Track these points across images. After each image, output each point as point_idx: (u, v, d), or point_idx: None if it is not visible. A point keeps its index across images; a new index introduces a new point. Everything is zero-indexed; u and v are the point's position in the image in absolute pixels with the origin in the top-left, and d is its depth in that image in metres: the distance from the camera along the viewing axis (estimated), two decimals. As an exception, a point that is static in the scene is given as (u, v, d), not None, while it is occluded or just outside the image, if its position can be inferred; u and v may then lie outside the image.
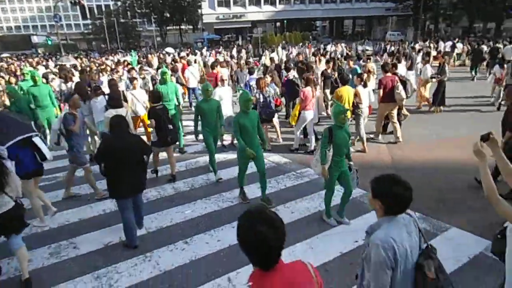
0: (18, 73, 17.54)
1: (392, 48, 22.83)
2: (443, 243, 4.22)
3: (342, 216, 4.80)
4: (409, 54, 16.12)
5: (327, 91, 10.25)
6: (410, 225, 2.07)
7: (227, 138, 8.39)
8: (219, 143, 7.58)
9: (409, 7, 51.42)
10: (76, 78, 11.00)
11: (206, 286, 3.70)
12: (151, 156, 5.10)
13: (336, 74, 9.85)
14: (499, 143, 2.30)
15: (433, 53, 19.95)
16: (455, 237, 4.36)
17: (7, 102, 8.59)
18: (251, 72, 9.59)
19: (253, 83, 8.51)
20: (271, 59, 14.50)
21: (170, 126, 6.18)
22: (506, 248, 2.17)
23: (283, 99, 9.26)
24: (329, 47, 26.51)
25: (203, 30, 59.80)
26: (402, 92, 7.68)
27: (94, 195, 5.86)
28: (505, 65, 11.18)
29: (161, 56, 25.07)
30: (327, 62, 11.42)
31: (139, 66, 14.42)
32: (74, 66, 17.07)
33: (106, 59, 26.72)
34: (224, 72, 11.33)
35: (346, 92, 7.15)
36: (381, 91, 7.78)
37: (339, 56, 19.28)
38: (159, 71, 12.00)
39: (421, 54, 16.26)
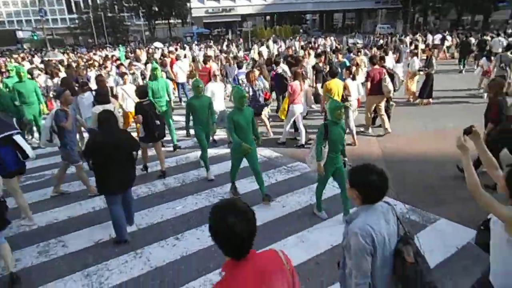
0: (3, 69, 17.16)
1: (381, 41, 22.93)
2: (432, 234, 4.29)
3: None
4: (397, 47, 16.19)
5: (319, 85, 10.25)
6: (388, 213, 2.13)
7: (220, 133, 8.36)
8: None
9: (398, 0, 51.66)
10: (63, 73, 10.81)
11: (197, 281, 3.69)
12: (140, 152, 5.04)
13: (328, 68, 9.84)
14: (481, 135, 2.33)
15: (421, 46, 20.08)
16: (444, 228, 4.42)
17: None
18: (239, 66, 9.53)
19: (242, 77, 8.46)
20: (259, 53, 14.43)
21: (157, 122, 6.12)
22: (490, 240, 2.21)
23: (273, 94, 9.23)
24: (320, 41, 26.50)
25: (192, 24, 59.26)
26: (389, 85, 7.72)
27: (84, 192, 5.79)
28: (492, 58, 11.31)
29: (150, 51, 24.79)
30: (319, 55, 11.39)
31: (128, 61, 14.23)
32: (61, 62, 16.76)
33: (94, 54, 26.32)
34: (214, 67, 11.24)
35: (336, 85, 7.16)
36: (369, 83, 7.82)
37: (328, 49, 19.27)
38: (148, 66, 11.90)
39: (412, 47, 16.36)
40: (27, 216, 4.91)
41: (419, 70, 10.52)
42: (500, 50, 14.43)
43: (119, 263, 4.05)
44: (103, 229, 4.71)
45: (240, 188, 5.63)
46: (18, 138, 4.45)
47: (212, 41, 35.99)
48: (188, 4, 57.72)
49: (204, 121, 6.11)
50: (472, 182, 2.11)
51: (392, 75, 8.19)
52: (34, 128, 8.54)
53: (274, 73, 9.23)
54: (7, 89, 8.96)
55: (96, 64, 14.32)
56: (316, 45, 25.10)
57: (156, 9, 60.88)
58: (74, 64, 15.18)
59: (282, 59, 10.78)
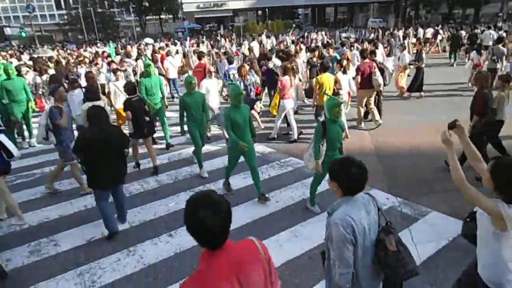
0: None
1: (372, 35, 22.95)
2: (424, 227, 4.33)
3: None
4: (388, 41, 16.24)
5: (313, 80, 10.22)
6: (369, 204, 2.18)
7: (214, 130, 8.32)
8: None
9: (390, -7, 51.71)
10: (52, 70, 10.64)
11: (191, 278, 3.68)
12: (130, 150, 5.00)
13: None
14: (466, 129, 2.36)
15: (413, 40, 20.16)
16: (435, 220, 4.46)
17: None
18: (230, 62, 9.47)
19: (233, 72, 8.40)
20: (249, 49, 14.30)
21: (147, 118, 6.07)
22: (477, 232, 2.24)
23: (265, 89, 9.19)
24: (313, 35, 26.44)
25: (183, 19, 58.63)
26: (379, 78, 7.75)
27: (75, 190, 5.74)
28: (483, 51, 11.40)
29: (141, 46, 24.51)
30: (313, 50, 11.35)
31: (119, 57, 14.06)
32: (51, 58, 16.52)
33: (84, 50, 25.99)
34: (206, 63, 11.15)
35: (327, 79, 7.16)
36: (359, 77, 7.84)
37: (319, 44, 19.24)
38: (138, 62, 11.75)
39: (407, 40, 16.37)
40: (17, 215, 4.84)
41: (409, 64, 10.57)
42: (490, 43, 14.55)
43: (112, 261, 4.03)
44: (95, 228, 4.67)
45: (234, 184, 5.61)
46: (2, 137, 4.33)
47: (204, 37, 35.70)
48: (179, -1, 57.17)
49: (197, 118, 5.98)
50: (457, 176, 2.13)
51: (382, 69, 8.22)
52: (24, 127, 8.41)
53: (266, 68, 9.19)
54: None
55: (87, 60, 14.12)
56: (309, 39, 25.04)
57: (147, 4, 60.19)
58: (64, 61, 14.97)
59: (274, 54, 10.71)
